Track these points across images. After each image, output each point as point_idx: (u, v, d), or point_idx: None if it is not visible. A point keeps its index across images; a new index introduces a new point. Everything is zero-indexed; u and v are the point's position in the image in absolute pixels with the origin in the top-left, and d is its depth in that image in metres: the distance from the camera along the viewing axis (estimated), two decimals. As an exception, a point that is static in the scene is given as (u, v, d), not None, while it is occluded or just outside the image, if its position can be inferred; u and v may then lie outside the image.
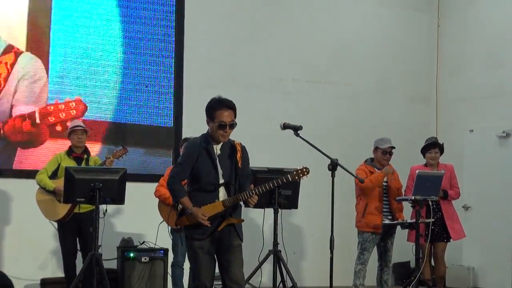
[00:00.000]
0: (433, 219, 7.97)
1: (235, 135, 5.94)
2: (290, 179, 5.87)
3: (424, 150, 8.32)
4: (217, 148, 5.69)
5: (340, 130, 10.56)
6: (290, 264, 7.44)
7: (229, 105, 5.69)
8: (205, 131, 5.76)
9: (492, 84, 10.45)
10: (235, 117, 5.70)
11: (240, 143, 5.80)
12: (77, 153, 7.74)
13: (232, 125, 5.67)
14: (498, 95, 10.33)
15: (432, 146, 8.28)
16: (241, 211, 5.82)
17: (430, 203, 7.78)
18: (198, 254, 5.61)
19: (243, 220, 5.77)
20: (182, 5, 9.80)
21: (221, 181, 5.65)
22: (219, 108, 5.65)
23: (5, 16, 8.99)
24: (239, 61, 10.12)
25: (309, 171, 5.92)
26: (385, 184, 7.95)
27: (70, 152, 7.76)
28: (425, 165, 8.31)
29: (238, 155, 5.71)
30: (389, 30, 11.10)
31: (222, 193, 5.67)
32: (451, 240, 8.27)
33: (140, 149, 9.43)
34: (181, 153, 5.82)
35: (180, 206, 5.76)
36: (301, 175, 5.91)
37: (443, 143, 8.44)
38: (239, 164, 5.70)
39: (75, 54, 9.27)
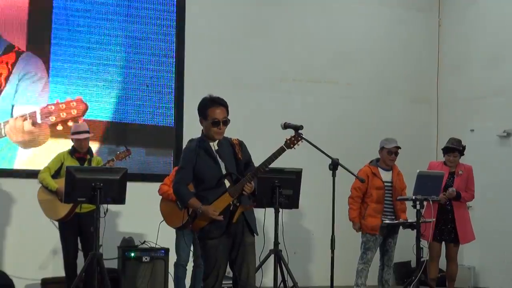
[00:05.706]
0: (434, 219, 7.97)
1: (235, 135, 5.94)
2: (286, 149, 5.76)
3: (444, 151, 8.34)
4: (214, 145, 5.73)
5: (341, 130, 10.56)
6: (291, 264, 7.42)
7: (221, 102, 5.74)
8: (206, 131, 5.77)
9: (493, 83, 10.44)
10: (227, 114, 5.73)
11: (237, 139, 5.83)
12: (81, 154, 7.75)
13: (226, 122, 5.71)
14: (499, 95, 10.31)
15: (451, 150, 8.26)
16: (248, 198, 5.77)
17: (431, 203, 7.78)
18: (210, 254, 5.62)
19: (254, 205, 5.79)
20: (183, 5, 9.81)
21: (224, 172, 5.65)
22: (211, 106, 5.70)
23: (5, 16, 8.99)
24: (239, 61, 10.12)
25: (300, 137, 5.78)
26: (389, 184, 7.94)
27: (73, 151, 7.76)
28: (444, 163, 8.31)
29: (237, 148, 5.75)
30: (389, 30, 11.09)
31: (228, 186, 5.67)
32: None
33: (141, 149, 9.43)
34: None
35: (190, 210, 5.71)
36: (295, 142, 5.76)
37: (464, 146, 8.36)
38: (239, 156, 5.73)
39: (75, 53, 9.27)
